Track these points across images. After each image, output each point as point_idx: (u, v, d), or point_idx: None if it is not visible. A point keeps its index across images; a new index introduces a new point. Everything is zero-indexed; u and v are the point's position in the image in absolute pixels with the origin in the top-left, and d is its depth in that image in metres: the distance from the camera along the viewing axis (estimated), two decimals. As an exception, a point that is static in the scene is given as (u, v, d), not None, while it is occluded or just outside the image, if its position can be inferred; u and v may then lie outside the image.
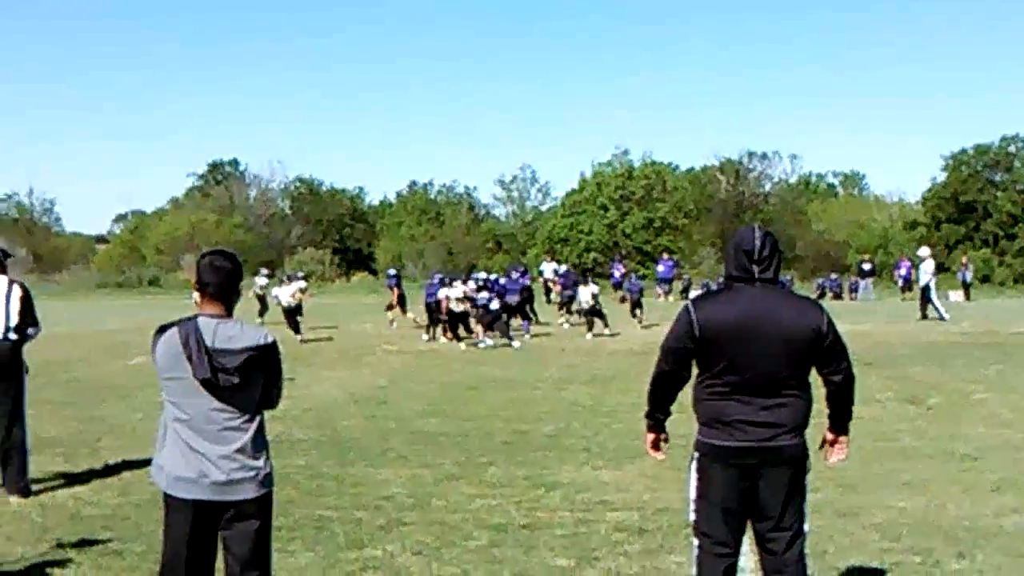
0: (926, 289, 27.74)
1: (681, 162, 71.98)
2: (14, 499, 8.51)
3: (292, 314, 24.62)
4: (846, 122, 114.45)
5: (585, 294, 25.52)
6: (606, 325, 24.91)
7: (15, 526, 7.78)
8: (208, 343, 4.52)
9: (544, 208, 72.51)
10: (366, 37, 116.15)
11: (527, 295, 27.22)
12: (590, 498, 8.49)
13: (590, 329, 25.11)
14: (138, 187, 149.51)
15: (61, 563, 6.79)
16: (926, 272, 27.82)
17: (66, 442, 11.32)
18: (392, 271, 30.66)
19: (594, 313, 25.20)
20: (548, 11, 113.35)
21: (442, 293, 23.72)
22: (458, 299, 23.57)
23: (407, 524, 7.73)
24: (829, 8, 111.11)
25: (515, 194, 74.11)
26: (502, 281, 26.40)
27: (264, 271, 31.89)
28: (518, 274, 27.35)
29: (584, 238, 60.94)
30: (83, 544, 7.21)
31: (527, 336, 24.61)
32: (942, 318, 26.78)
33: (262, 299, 29.10)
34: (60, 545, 7.19)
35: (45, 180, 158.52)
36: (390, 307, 27.95)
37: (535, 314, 28.64)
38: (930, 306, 27.45)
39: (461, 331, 23.98)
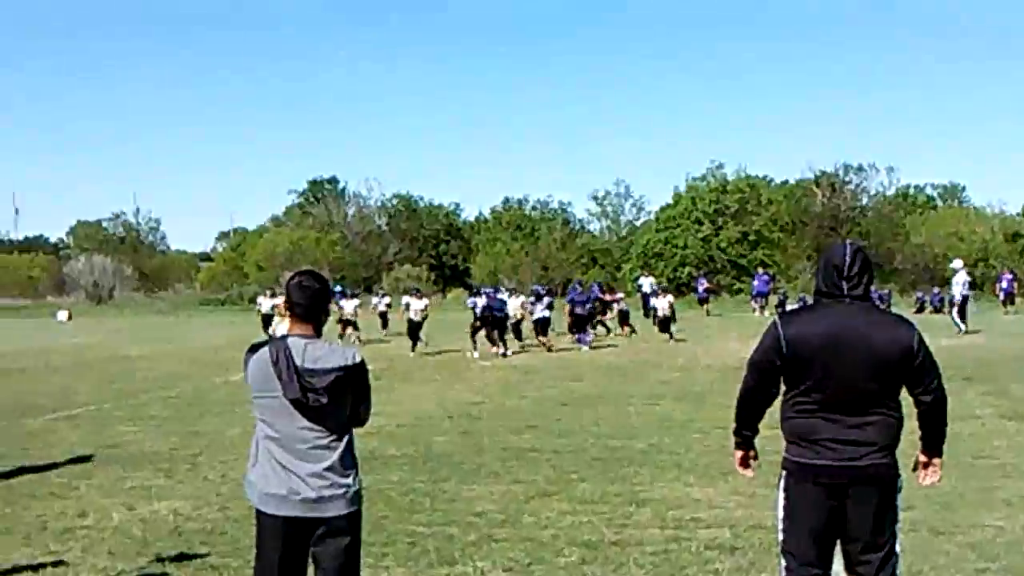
0: (954, 300, 27.92)
1: (776, 175, 70.90)
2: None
3: (351, 324, 29.14)
4: (945, 133, 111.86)
5: (663, 303, 26.68)
6: (671, 336, 26.69)
7: (117, 540, 7.99)
8: (298, 363, 4.59)
9: (638, 223, 72.08)
10: (462, 55, 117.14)
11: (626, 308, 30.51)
12: (681, 515, 8.45)
13: (665, 332, 27.07)
14: (241, 205, 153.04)
15: (161, 577, 6.95)
16: (957, 283, 27.77)
17: (167, 457, 11.61)
18: (337, 288, 31.59)
19: (666, 321, 26.88)
20: (643, 27, 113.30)
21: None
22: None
23: (498, 540, 7.77)
24: (925, 21, 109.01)
25: (609, 209, 73.75)
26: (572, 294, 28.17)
27: (382, 290, 33.13)
28: (581, 288, 29.18)
29: (679, 252, 60.49)
30: (182, 559, 7.39)
31: (584, 347, 25.85)
32: (960, 331, 26.82)
33: (383, 316, 33.10)
34: (160, 559, 7.38)
35: (151, 199, 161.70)
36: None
37: (633, 329, 29.92)
38: (956, 316, 27.61)
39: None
